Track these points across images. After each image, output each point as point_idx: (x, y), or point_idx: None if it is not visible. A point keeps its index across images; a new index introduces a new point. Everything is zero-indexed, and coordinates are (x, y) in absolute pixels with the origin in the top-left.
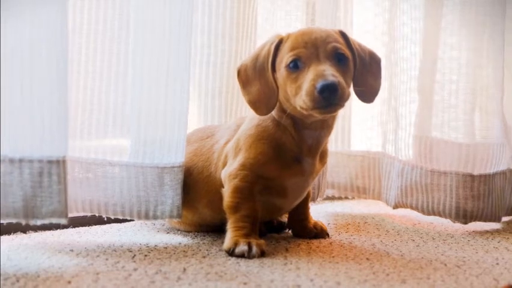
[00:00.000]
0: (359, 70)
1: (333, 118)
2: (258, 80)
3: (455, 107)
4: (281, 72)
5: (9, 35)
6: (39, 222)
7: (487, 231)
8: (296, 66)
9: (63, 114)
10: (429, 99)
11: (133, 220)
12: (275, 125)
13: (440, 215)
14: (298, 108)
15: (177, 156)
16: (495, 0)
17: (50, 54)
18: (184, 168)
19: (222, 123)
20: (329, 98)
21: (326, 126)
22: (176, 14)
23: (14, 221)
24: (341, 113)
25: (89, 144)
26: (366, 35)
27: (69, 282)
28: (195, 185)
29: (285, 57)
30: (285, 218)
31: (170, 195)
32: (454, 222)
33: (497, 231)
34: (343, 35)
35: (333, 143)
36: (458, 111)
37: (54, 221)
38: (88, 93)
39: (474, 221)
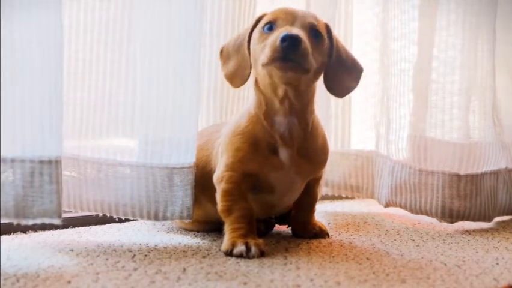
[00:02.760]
0: (334, 66)
1: (302, 103)
2: (236, 54)
3: (444, 107)
4: (254, 36)
5: (3, 35)
6: (30, 222)
7: (487, 231)
8: (271, 28)
9: (56, 115)
10: (422, 99)
11: (137, 220)
12: (249, 117)
13: (427, 214)
14: (261, 66)
15: (187, 157)
16: (488, 0)
17: (43, 55)
18: (195, 168)
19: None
20: (288, 50)
21: (294, 113)
22: (184, 13)
23: (5, 220)
24: (336, 112)
25: (100, 144)
26: (365, 35)
27: (69, 282)
28: (200, 178)
29: (261, 24)
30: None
31: (180, 196)
32: (440, 221)
33: (497, 231)
34: (327, 27)
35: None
36: (446, 111)
37: (46, 220)
38: (99, 94)
39: (461, 220)
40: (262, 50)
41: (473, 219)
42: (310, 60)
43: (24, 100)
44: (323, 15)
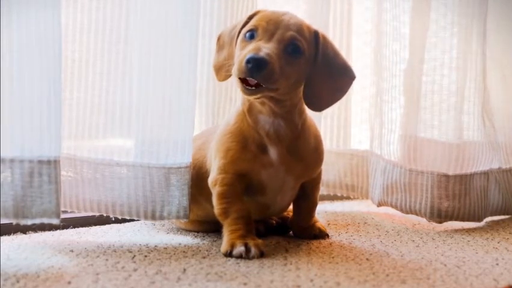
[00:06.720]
0: (318, 75)
1: (285, 109)
2: (228, 46)
3: (434, 108)
4: (239, 38)
5: (2, 35)
6: (29, 222)
7: (486, 232)
8: (252, 36)
9: (55, 115)
10: (413, 99)
11: (134, 220)
12: (237, 115)
13: (416, 214)
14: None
15: (183, 157)
16: (480, 1)
17: (42, 55)
18: (191, 168)
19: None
20: (252, 72)
21: (279, 116)
22: (181, 13)
23: (4, 220)
24: (332, 112)
25: (97, 144)
26: (365, 35)
27: (69, 282)
28: (197, 179)
29: (247, 27)
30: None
31: (177, 196)
32: (429, 221)
33: (496, 231)
34: (315, 34)
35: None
36: (436, 112)
37: (45, 220)
38: (96, 94)
39: (449, 220)
40: (238, 59)
41: (463, 219)
42: (277, 80)
43: (23, 100)
44: (315, 16)
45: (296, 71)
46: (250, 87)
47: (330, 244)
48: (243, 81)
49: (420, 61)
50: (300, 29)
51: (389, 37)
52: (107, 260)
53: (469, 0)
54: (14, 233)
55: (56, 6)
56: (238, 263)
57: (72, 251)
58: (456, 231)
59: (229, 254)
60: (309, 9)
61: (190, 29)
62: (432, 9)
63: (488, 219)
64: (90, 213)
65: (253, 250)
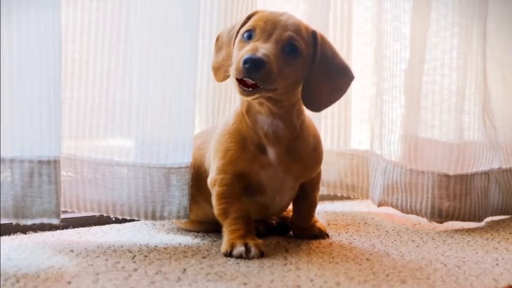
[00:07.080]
0: (316, 75)
1: (284, 109)
2: (226, 47)
3: (434, 108)
4: (237, 38)
5: (2, 35)
6: (29, 222)
7: (486, 232)
8: (250, 37)
9: (55, 115)
10: (414, 99)
11: (134, 220)
12: (236, 115)
13: (417, 214)
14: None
15: (184, 157)
16: (480, 1)
17: (42, 55)
18: (191, 168)
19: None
20: (250, 72)
21: (277, 117)
22: (181, 13)
23: (4, 220)
24: (332, 112)
25: (97, 144)
26: (366, 35)
27: (69, 282)
28: (196, 178)
29: (245, 27)
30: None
31: (177, 196)
32: (430, 221)
33: (497, 231)
34: (314, 34)
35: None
36: (437, 112)
37: (45, 220)
38: (96, 94)
39: (450, 220)
40: (235, 59)
41: (463, 219)
42: (274, 80)
43: (23, 100)
44: (315, 16)
45: (294, 71)
46: (247, 89)
47: (330, 244)
48: (241, 81)
49: (421, 61)
50: (298, 29)
51: (389, 37)
52: (107, 260)
53: (469, 1)
54: (14, 233)
55: (56, 6)
56: (238, 263)
57: (72, 251)
58: (456, 231)
59: (229, 254)
60: (309, 9)
61: (190, 29)
62: (433, 9)
63: (489, 219)
64: (90, 213)
65: (253, 250)
